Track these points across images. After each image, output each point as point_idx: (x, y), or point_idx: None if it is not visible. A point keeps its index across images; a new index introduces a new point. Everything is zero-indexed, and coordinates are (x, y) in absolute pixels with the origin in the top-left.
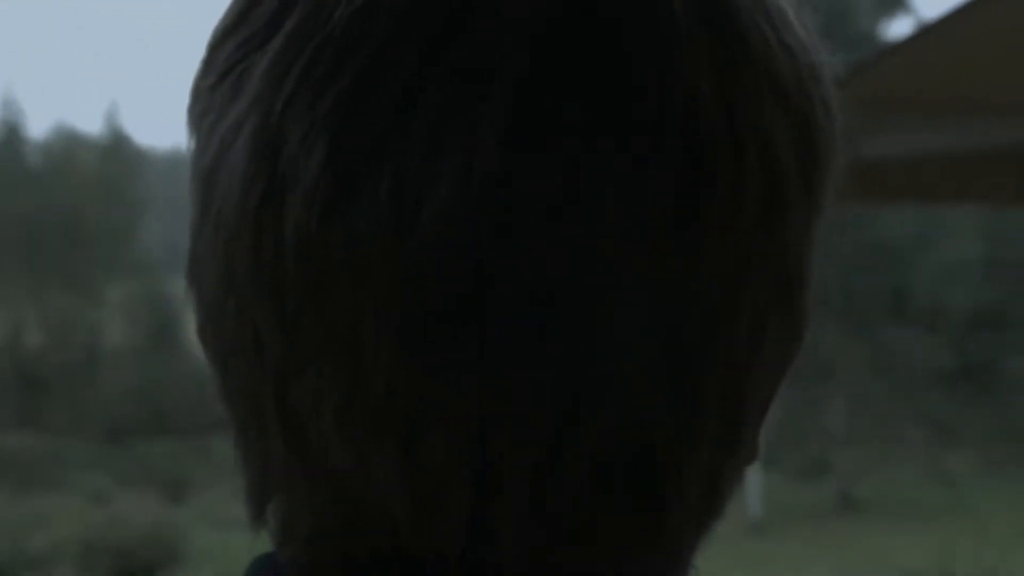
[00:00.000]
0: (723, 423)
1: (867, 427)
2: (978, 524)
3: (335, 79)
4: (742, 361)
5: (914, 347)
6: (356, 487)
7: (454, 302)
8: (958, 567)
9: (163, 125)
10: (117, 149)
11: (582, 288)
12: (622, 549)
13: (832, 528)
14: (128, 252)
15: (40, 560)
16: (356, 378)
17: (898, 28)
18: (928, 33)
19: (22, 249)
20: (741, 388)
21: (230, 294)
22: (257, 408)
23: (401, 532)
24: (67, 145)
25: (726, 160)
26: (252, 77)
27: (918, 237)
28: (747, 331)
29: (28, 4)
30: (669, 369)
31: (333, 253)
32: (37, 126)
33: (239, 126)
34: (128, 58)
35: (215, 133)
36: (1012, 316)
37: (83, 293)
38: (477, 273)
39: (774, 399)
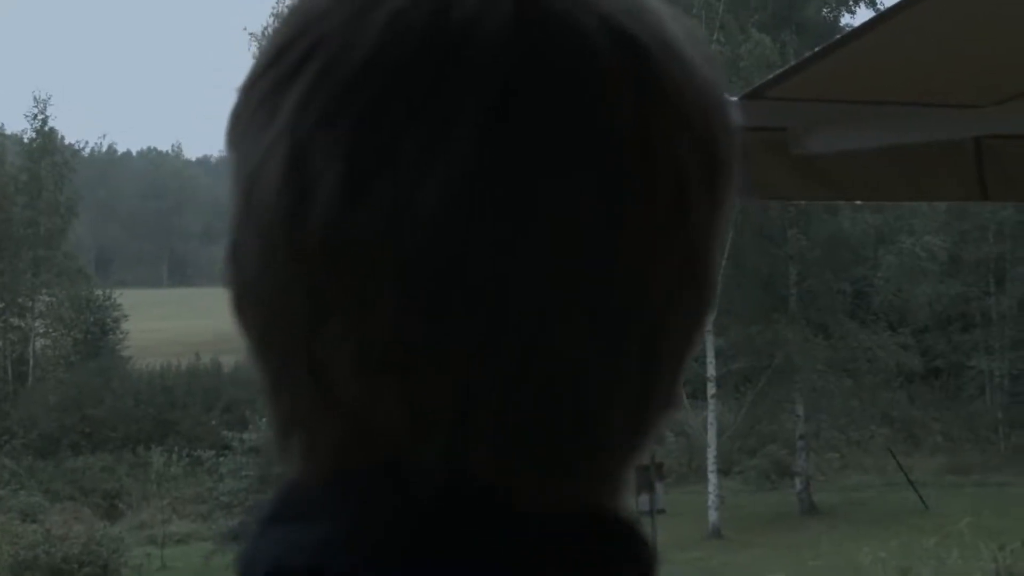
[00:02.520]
0: (642, 367)
1: (828, 430)
2: (941, 527)
3: (348, 111)
4: (657, 321)
5: (876, 347)
6: (366, 414)
7: (437, 275)
8: (920, 570)
9: (95, 123)
10: (45, 148)
11: (531, 269)
12: (566, 465)
13: (793, 533)
14: (56, 256)
15: None
16: (366, 329)
17: (861, 18)
18: (877, 26)
19: None
20: (657, 341)
21: (268, 270)
22: (289, 359)
23: (400, 449)
24: None
25: (643, 178)
26: (284, 107)
27: (878, 234)
28: (660, 299)
29: None
30: (597, 328)
31: (349, 237)
32: None
33: (274, 145)
34: (59, 50)
35: (254, 150)
36: (976, 315)
37: (8, 300)
38: (453, 254)
39: (689, 352)
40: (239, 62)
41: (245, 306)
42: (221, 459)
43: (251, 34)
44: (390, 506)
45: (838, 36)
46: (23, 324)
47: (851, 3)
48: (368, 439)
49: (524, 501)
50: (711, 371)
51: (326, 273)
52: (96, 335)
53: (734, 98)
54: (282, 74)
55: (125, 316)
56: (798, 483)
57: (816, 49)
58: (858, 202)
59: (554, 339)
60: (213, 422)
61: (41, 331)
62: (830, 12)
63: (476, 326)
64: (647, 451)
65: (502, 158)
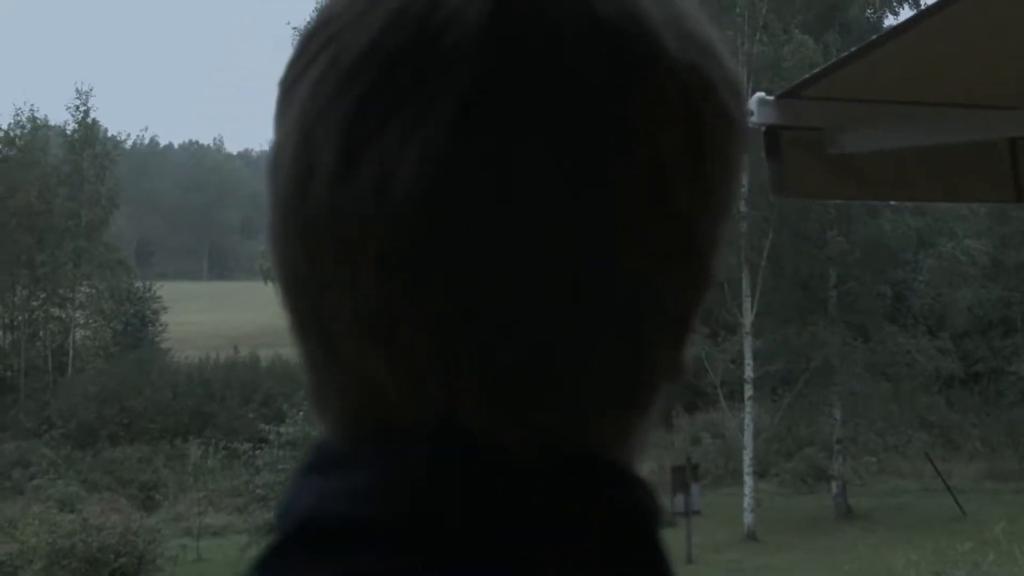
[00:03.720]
0: (626, 331)
1: (866, 434)
2: (978, 533)
3: (348, 96)
4: (638, 293)
5: (915, 351)
6: (362, 374)
7: (415, 243)
8: (953, 573)
9: (137, 116)
10: (87, 139)
11: (504, 241)
12: (548, 419)
13: (828, 537)
14: (97, 248)
15: (7, 567)
16: (356, 299)
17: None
18: (912, 26)
19: None
20: (641, 311)
21: (285, 241)
22: (307, 326)
23: (394, 407)
24: (34, 134)
25: (612, 159)
26: (300, 94)
27: (919, 238)
28: (639, 273)
29: None
30: (570, 294)
31: (342, 210)
32: (2, 113)
33: (291, 128)
34: (103, 43)
35: (278, 134)
36: (1017, 320)
37: (49, 290)
38: (428, 223)
39: (687, 326)
40: (283, 57)
41: (278, 274)
42: (258, 452)
43: (295, 29)
44: (400, 462)
45: (873, 36)
46: (64, 315)
47: (895, 4)
48: (369, 398)
49: (512, 451)
50: (748, 373)
51: (324, 243)
52: (136, 327)
53: (770, 97)
54: (301, 65)
55: (165, 308)
56: (834, 487)
57: (852, 49)
58: (892, 202)
59: (529, 304)
60: (250, 415)
61: (81, 322)
62: (874, 13)
63: (454, 295)
64: (653, 412)
65: (474, 139)
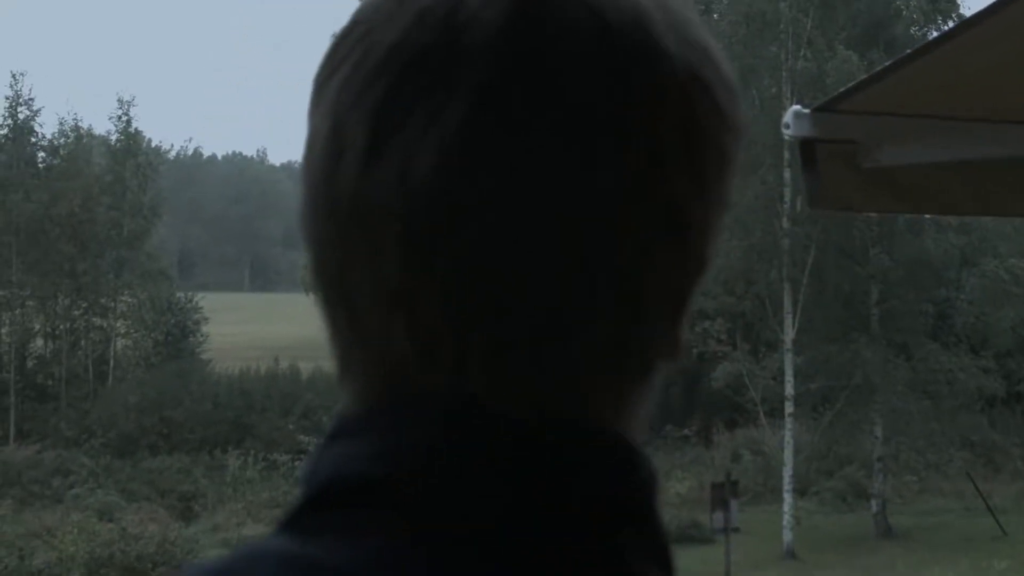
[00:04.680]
0: (621, 306)
1: (907, 453)
2: (1018, 553)
3: (372, 93)
4: (634, 268)
5: (957, 370)
6: (383, 345)
7: (432, 224)
8: None
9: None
10: (129, 149)
11: (514, 222)
12: (550, 386)
13: (868, 556)
14: (139, 258)
15: (46, 574)
16: (380, 273)
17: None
18: (948, 40)
19: (29, 252)
20: (636, 286)
21: (316, 222)
22: (333, 295)
23: (412, 374)
24: (77, 143)
25: (614, 146)
26: (332, 87)
27: (963, 256)
28: (635, 249)
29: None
30: (574, 269)
31: (368, 194)
32: (47, 123)
33: (324, 119)
34: (149, 55)
35: (312, 124)
36: None
37: (91, 300)
38: (445, 209)
39: (682, 307)
40: None
41: (311, 252)
42: (297, 463)
43: None
44: (415, 426)
45: (907, 51)
46: (105, 324)
47: (939, 20)
48: (390, 368)
49: (516, 416)
50: (789, 390)
51: (350, 224)
52: (176, 337)
53: (806, 110)
54: (336, 60)
55: (206, 319)
56: (875, 505)
57: (887, 63)
58: (927, 215)
59: (536, 281)
60: (290, 426)
61: (122, 332)
62: (919, 30)
63: (467, 271)
64: (652, 386)
65: (488, 130)
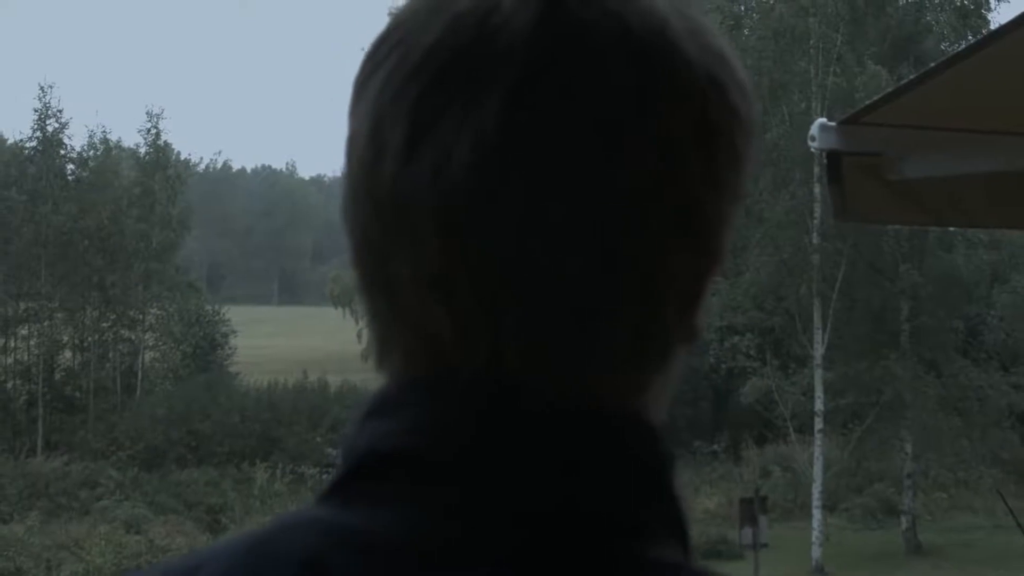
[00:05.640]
0: (643, 295)
1: (937, 469)
2: None
3: (410, 92)
4: (654, 257)
5: (987, 387)
6: (421, 326)
7: (467, 214)
8: None
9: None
10: (158, 162)
11: (544, 212)
12: (578, 367)
13: (897, 573)
14: (167, 270)
15: None
16: (421, 261)
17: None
18: (971, 54)
19: (57, 264)
20: (656, 276)
21: (358, 213)
22: (374, 282)
23: (451, 356)
24: (106, 156)
25: (635, 142)
26: (373, 86)
27: (993, 273)
28: (655, 239)
29: (69, 12)
30: (601, 259)
31: (407, 185)
32: (75, 135)
33: (365, 116)
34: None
35: (354, 121)
36: None
37: (119, 312)
38: (478, 197)
39: (698, 295)
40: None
41: (352, 243)
42: (325, 477)
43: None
44: (449, 402)
45: (932, 64)
46: (133, 336)
47: (969, 36)
48: (426, 348)
49: (542, 395)
50: (819, 406)
51: (391, 214)
52: (205, 350)
53: (832, 123)
54: (375, 62)
55: (234, 332)
56: (904, 522)
57: (911, 77)
58: (953, 229)
59: (563, 266)
60: (318, 439)
61: (150, 344)
62: (949, 45)
63: (502, 257)
64: (670, 370)
65: (518, 127)
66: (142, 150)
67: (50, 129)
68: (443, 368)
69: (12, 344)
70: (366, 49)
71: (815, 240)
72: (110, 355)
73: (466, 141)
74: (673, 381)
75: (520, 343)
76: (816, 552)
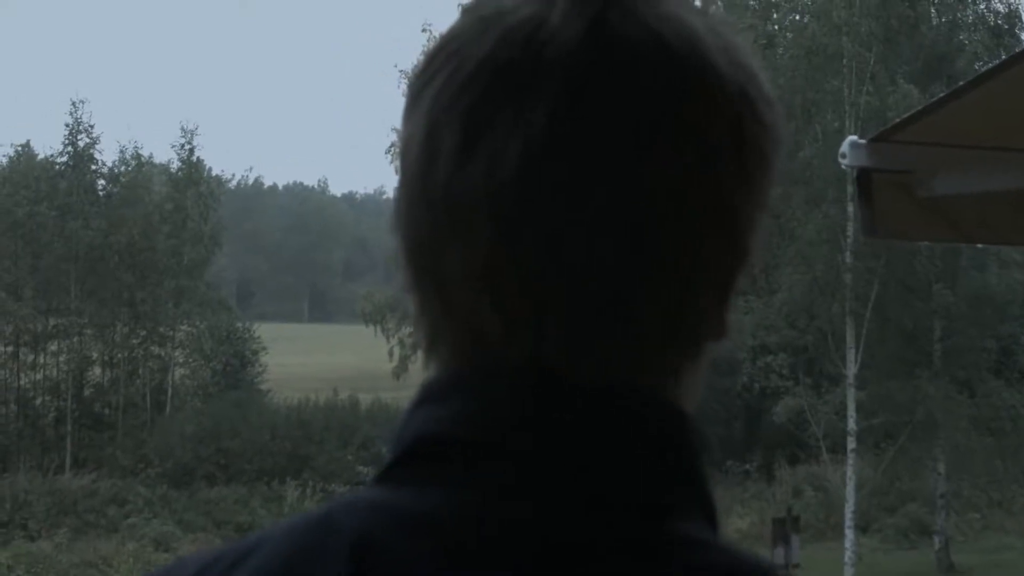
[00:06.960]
0: (674, 289)
1: (970, 489)
2: None
3: (464, 100)
4: (689, 254)
5: (1020, 406)
6: (469, 320)
7: (516, 213)
8: None
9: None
10: (191, 178)
11: (588, 211)
12: (615, 358)
13: None
14: (198, 287)
15: None
16: (471, 257)
17: None
18: (1000, 72)
19: (88, 279)
20: (690, 272)
21: (411, 213)
22: (426, 278)
23: (496, 347)
24: (138, 171)
25: (676, 148)
26: (427, 96)
27: None
28: (690, 236)
29: (102, 27)
30: (639, 257)
31: (460, 187)
32: (107, 150)
33: (419, 123)
34: (210, 84)
35: (408, 127)
36: None
37: (149, 328)
38: (527, 198)
39: (728, 290)
40: (388, 99)
41: (403, 243)
42: None
43: (401, 71)
44: (497, 389)
45: (960, 83)
46: (163, 353)
47: (1002, 55)
48: (474, 340)
49: (583, 385)
50: (851, 425)
51: (444, 213)
52: (235, 367)
53: (862, 141)
54: (428, 74)
55: (264, 349)
56: (937, 542)
57: (940, 95)
58: (981, 246)
59: (605, 262)
60: (349, 457)
61: (180, 361)
62: (982, 64)
63: (546, 254)
64: (702, 362)
65: (564, 133)
66: (174, 166)
67: (81, 144)
68: (490, 358)
69: (41, 360)
70: (418, 61)
71: (848, 259)
72: (140, 372)
73: (515, 146)
74: (703, 375)
75: (564, 335)
76: (848, 572)
